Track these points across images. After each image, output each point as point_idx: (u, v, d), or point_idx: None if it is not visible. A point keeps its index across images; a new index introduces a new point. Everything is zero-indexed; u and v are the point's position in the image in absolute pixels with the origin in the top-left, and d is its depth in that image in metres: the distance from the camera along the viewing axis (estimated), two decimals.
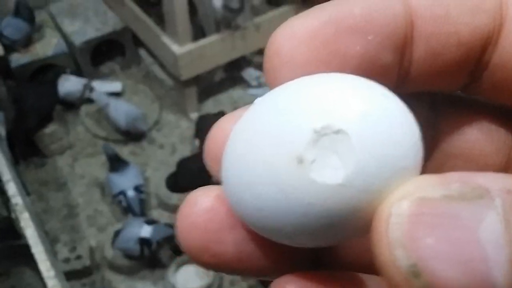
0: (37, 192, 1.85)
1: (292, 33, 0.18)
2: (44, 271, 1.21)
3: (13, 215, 1.36)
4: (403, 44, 0.18)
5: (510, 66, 0.19)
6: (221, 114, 1.95)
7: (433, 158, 0.20)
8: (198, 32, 2.00)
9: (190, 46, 1.87)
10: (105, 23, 2.13)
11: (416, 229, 0.14)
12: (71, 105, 2.05)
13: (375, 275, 0.18)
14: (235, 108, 2.01)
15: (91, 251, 1.68)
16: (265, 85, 2.09)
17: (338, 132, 0.16)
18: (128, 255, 1.63)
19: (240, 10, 1.85)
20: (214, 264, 0.19)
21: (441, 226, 0.14)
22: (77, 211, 1.81)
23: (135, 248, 1.59)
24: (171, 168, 1.83)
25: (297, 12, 2.04)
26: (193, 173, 1.78)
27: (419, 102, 0.19)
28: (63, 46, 2.10)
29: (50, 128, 1.91)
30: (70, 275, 1.57)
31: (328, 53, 0.18)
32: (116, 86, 2.12)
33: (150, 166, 1.92)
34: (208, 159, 0.20)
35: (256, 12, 2.07)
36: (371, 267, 0.17)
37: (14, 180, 1.40)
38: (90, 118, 2.04)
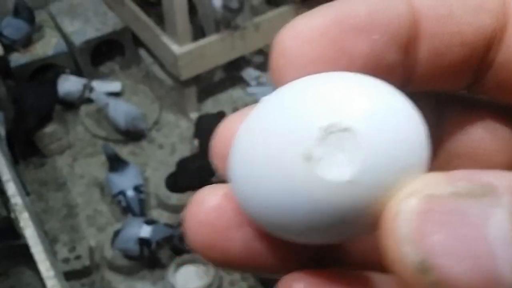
0: (36, 192, 1.85)
1: (297, 32, 0.18)
2: (43, 271, 1.21)
3: (12, 215, 1.36)
4: (407, 43, 0.19)
5: None
6: (220, 114, 1.95)
7: (437, 158, 0.20)
8: (198, 32, 2.00)
9: (190, 46, 1.87)
10: (105, 23, 2.13)
11: (424, 226, 0.14)
12: (71, 105, 2.05)
13: (382, 273, 0.18)
14: (234, 108, 2.02)
15: (91, 251, 1.68)
16: (264, 85, 2.09)
17: (345, 130, 0.16)
18: (128, 255, 1.63)
19: (239, 10, 1.85)
20: (222, 261, 0.19)
21: (449, 223, 0.14)
22: (77, 211, 1.81)
23: (135, 248, 1.59)
24: (171, 168, 1.83)
25: (296, 12, 2.05)
26: (192, 173, 1.78)
27: (424, 101, 0.19)
28: (63, 46, 2.10)
29: (50, 128, 1.92)
30: (69, 275, 1.57)
31: (333, 53, 0.18)
32: (115, 86, 2.12)
33: (150, 166, 1.92)
34: (215, 158, 0.20)
35: (255, 12, 2.07)
36: (378, 265, 0.17)
37: (13, 180, 1.40)
38: (90, 118, 2.04)
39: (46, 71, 2.04)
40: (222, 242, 0.19)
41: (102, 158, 1.87)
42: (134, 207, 1.72)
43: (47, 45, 2.09)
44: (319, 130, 0.16)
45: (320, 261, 0.19)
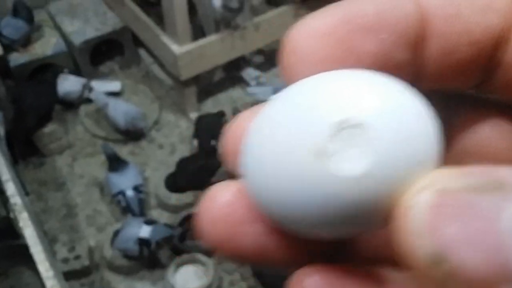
0: (36, 192, 1.85)
1: (308, 31, 0.19)
2: (43, 271, 1.21)
3: (12, 215, 1.35)
4: (416, 43, 0.19)
5: None
6: (220, 114, 1.95)
7: (446, 156, 0.21)
8: (198, 32, 2.00)
9: (190, 46, 1.87)
10: (105, 23, 2.13)
11: (438, 219, 0.15)
12: (70, 104, 2.05)
13: (394, 268, 0.19)
14: (234, 108, 2.02)
15: (90, 251, 1.68)
16: (264, 85, 2.09)
17: (356, 125, 0.16)
18: (127, 255, 1.63)
19: (239, 10, 1.85)
20: (235, 255, 0.19)
21: (462, 216, 0.14)
22: (76, 211, 1.81)
23: (134, 248, 1.59)
24: (171, 168, 1.82)
25: (296, 12, 2.05)
26: (192, 173, 1.78)
27: (433, 100, 0.19)
28: (62, 46, 2.09)
29: (49, 128, 1.91)
30: (69, 275, 1.57)
31: (343, 51, 0.18)
32: (115, 85, 2.11)
33: (150, 166, 1.92)
34: (226, 155, 0.20)
35: (255, 12, 2.07)
36: (390, 260, 0.18)
37: (13, 180, 1.40)
38: (89, 118, 2.04)
39: (46, 71, 2.04)
40: (236, 237, 0.19)
41: (102, 158, 1.86)
42: (133, 207, 1.72)
43: (47, 45, 2.09)
44: (331, 125, 0.16)
45: (331, 256, 0.20)
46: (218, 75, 2.18)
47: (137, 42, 2.15)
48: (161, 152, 1.97)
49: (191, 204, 1.78)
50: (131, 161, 1.84)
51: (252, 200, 0.18)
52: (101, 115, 2.00)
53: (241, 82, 2.13)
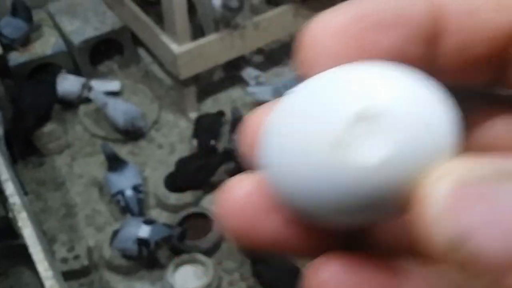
0: (35, 192, 1.85)
1: (324, 27, 0.19)
2: (42, 271, 1.21)
3: (10, 215, 1.35)
4: (429, 39, 0.19)
5: None
6: (219, 114, 1.94)
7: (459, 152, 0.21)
8: (197, 32, 2.00)
9: (189, 45, 1.87)
10: (104, 22, 2.12)
11: (457, 205, 0.15)
12: (70, 104, 2.05)
13: (410, 259, 0.19)
14: (234, 107, 2.01)
15: (89, 251, 1.68)
16: (264, 84, 2.08)
17: (375, 115, 0.17)
18: (126, 255, 1.63)
19: (239, 9, 1.85)
20: (254, 245, 0.20)
21: (482, 202, 0.15)
22: (75, 211, 1.80)
23: (133, 248, 1.59)
24: (170, 167, 1.82)
25: (296, 11, 2.05)
26: (191, 173, 1.77)
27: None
28: (61, 45, 2.09)
29: (48, 127, 1.91)
30: (68, 275, 1.56)
31: (358, 47, 0.19)
32: (114, 85, 2.11)
33: (149, 166, 1.92)
34: (243, 148, 0.21)
35: (255, 11, 2.07)
36: (406, 250, 0.19)
37: (12, 180, 1.39)
38: (89, 118, 2.03)
39: (45, 70, 2.04)
40: (254, 227, 0.19)
41: (101, 157, 1.86)
42: (132, 207, 1.71)
43: (46, 44, 2.09)
44: (349, 115, 0.17)
45: (349, 246, 0.20)
46: (218, 75, 2.18)
47: (137, 41, 2.15)
48: (160, 152, 1.97)
49: (190, 204, 1.77)
50: (131, 160, 1.84)
51: (272, 190, 0.19)
52: (100, 114, 2.00)
53: (240, 81, 2.13)
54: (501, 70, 0.20)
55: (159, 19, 1.93)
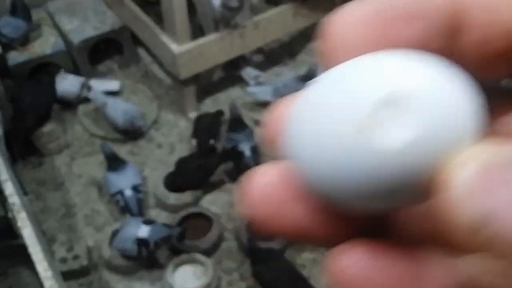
0: (34, 192, 1.84)
1: (347, 19, 0.20)
2: (41, 272, 1.20)
3: (10, 215, 1.35)
4: (450, 32, 0.19)
5: None
6: (218, 113, 1.94)
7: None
8: (197, 31, 1.99)
9: (189, 45, 1.86)
10: (104, 22, 2.12)
11: (482, 187, 0.15)
12: (69, 104, 2.05)
13: (433, 247, 0.19)
14: (231, 104, 2.00)
15: (89, 251, 1.67)
16: (263, 84, 2.08)
17: (399, 100, 0.17)
18: (126, 255, 1.63)
19: (239, 8, 1.84)
20: (279, 234, 0.20)
21: (505, 186, 0.15)
22: (75, 211, 1.80)
23: (133, 248, 1.59)
24: (170, 167, 1.82)
25: (296, 11, 2.05)
26: (191, 173, 1.77)
27: None
28: (61, 45, 2.09)
29: (48, 127, 1.91)
30: (67, 275, 1.56)
31: (381, 37, 0.19)
32: (114, 85, 2.11)
33: (148, 166, 1.91)
34: (267, 138, 0.21)
35: (255, 11, 2.07)
36: (429, 240, 0.19)
37: (11, 180, 1.39)
38: (88, 117, 2.03)
39: (44, 70, 2.04)
40: (279, 215, 0.20)
41: (100, 157, 1.86)
42: (132, 207, 1.71)
43: (45, 44, 2.08)
44: (374, 100, 0.17)
45: (372, 234, 0.20)
46: (218, 75, 2.18)
47: (136, 41, 2.15)
48: (160, 151, 1.97)
49: (189, 204, 1.77)
50: (130, 160, 1.84)
51: (299, 178, 0.19)
52: (99, 114, 2.00)
53: (240, 81, 2.13)
54: None
55: (159, 19, 1.93)
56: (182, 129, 2.03)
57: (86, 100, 2.03)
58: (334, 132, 0.17)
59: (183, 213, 1.73)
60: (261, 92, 2.02)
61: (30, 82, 1.98)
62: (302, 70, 2.06)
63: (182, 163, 1.80)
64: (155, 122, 2.04)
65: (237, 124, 1.88)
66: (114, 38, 2.12)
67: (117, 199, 1.73)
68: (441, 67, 0.18)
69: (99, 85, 2.06)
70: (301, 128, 0.19)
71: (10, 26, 2.00)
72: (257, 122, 1.93)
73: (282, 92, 1.98)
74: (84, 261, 1.63)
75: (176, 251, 1.65)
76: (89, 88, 2.02)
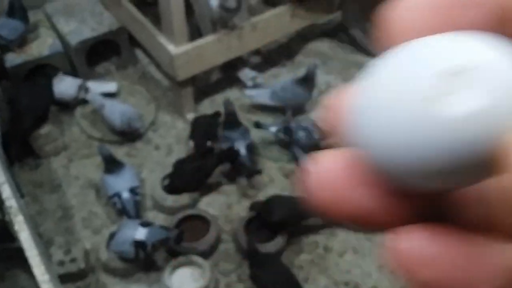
0: (31, 194, 1.84)
1: (409, 4, 0.20)
2: (38, 275, 1.20)
3: (7, 218, 1.34)
4: (505, 21, 0.20)
5: None
6: (216, 115, 1.94)
7: None
8: (195, 32, 1.99)
9: (187, 46, 1.86)
10: (101, 23, 2.12)
11: None
12: (66, 105, 2.04)
13: (490, 234, 0.19)
14: (226, 100, 1.99)
15: (86, 253, 1.67)
16: (261, 86, 2.08)
17: (463, 71, 0.18)
18: (123, 258, 1.62)
19: (236, 10, 1.84)
20: (341, 218, 0.21)
21: None
22: (72, 213, 1.80)
23: (130, 251, 1.58)
24: (167, 169, 1.82)
25: (293, 12, 2.04)
26: (188, 174, 1.77)
27: None
28: (58, 46, 2.08)
29: (45, 129, 1.90)
30: (64, 278, 1.56)
31: (442, 22, 0.20)
32: (111, 86, 2.10)
33: (146, 167, 1.91)
34: (328, 127, 0.22)
35: (252, 12, 2.06)
36: (488, 226, 0.19)
37: (8, 182, 1.39)
38: (86, 119, 2.03)
39: (42, 72, 2.03)
40: (343, 200, 0.21)
41: (98, 159, 1.85)
42: (129, 209, 1.71)
43: (43, 45, 2.08)
44: (438, 71, 0.18)
45: (433, 217, 0.20)
46: (215, 76, 2.17)
47: (134, 42, 2.14)
48: (157, 153, 1.96)
49: (187, 206, 1.77)
50: (127, 162, 1.83)
51: (364, 161, 0.20)
52: (97, 116, 1.99)
53: (238, 82, 2.12)
54: None
55: (157, 20, 1.93)
56: (179, 130, 2.02)
57: (84, 101, 2.03)
58: (401, 105, 0.18)
59: (181, 215, 1.73)
60: (259, 95, 2.02)
61: (28, 84, 1.97)
62: (300, 71, 2.06)
63: (179, 165, 1.79)
64: (153, 123, 2.04)
65: (232, 121, 1.88)
66: (111, 39, 2.11)
67: (114, 201, 1.73)
68: (504, 44, 0.18)
69: (97, 87, 2.06)
70: (367, 109, 0.19)
71: (8, 27, 1.99)
72: (256, 123, 1.92)
73: (279, 95, 1.98)
74: (81, 264, 1.62)
75: (173, 253, 1.64)
76: (86, 90, 2.01)
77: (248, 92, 2.04)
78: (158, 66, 2.15)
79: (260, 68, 2.17)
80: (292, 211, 1.67)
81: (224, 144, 1.85)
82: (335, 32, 2.33)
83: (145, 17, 1.98)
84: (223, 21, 1.90)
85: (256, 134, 1.91)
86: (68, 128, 2.02)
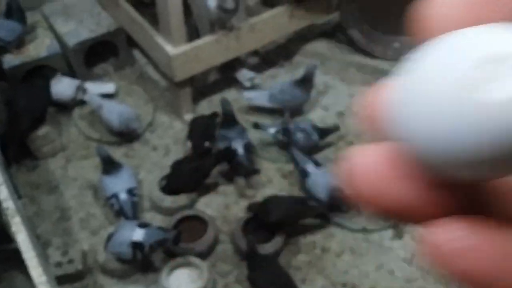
0: (29, 195, 1.84)
1: (444, 0, 0.21)
2: (35, 277, 1.20)
3: (4, 219, 1.34)
4: None
5: None
6: (213, 115, 1.94)
7: None
8: (193, 33, 1.99)
9: (184, 47, 1.86)
10: (99, 24, 2.12)
11: None
12: (64, 106, 2.04)
13: None
14: (223, 98, 1.98)
15: (84, 254, 1.67)
16: (259, 87, 2.08)
17: (501, 59, 0.18)
18: (121, 259, 1.62)
19: (234, 10, 1.84)
20: (383, 211, 0.21)
21: None
22: (70, 214, 1.80)
23: (128, 252, 1.58)
24: (165, 170, 1.81)
25: (291, 13, 2.04)
26: (186, 175, 1.77)
27: None
28: (56, 47, 2.08)
29: (43, 130, 1.90)
30: (62, 279, 1.56)
31: (476, 18, 0.20)
32: (109, 87, 2.10)
33: (144, 168, 1.91)
34: (366, 122, 0.22)
35: (250, 13, 2.06)
36: None
37: (5, 184, 1.39)
38: (83, 120, 2.03)
39: (39, 73, 2.03)
40: (385, 193, 0.21)
41: (96, 160, 1.85)
42: (127, 211, 1.71)
43: (40, 46, 2.08)
44: (479, 61, 0.18)
45: (469, 211, 0.21)
46: (213, 77, 2.17)
47: (131, 43, 2.14)
48: (155, 154, 1.96)
49: (185, 207, 1.77)
50: (125, 163, 1.83)
51: (405, 153, 0.20)
52: (95, 117, 1.99)
53: (236, 83, 2.12)
54: None
55: (154, 20, 1.93)
56: (177, 131, 2.02)
57: (82, 102, 2.03)
58: (443, 95, 0.18)
59: (178, 216, 1.73)
60: (257, 98, 2.02)
61: (25, 85, 1.97)
62: (298, 72, 2.06)
63: (177, 166, 1.79)
64: (150, 124, 2.04)
65: (229, 120, 1.88)
66: (109, 40, 2.11)
67: (112, 202, 1.73)
68: None
69: (95, 88, 2.06)
70: (408, 102, 0.19)
71: (5, 29, 1.99)
72: (254, 125, 1.92)
73: (278, 97, 1.98)
74: (79, 265, 1.62)
75: (171, 254, 1.64)
76: (84, 91, 2.01)
77: (246, 94, 2.04)
78: (156, 66, 2.15)
79: (258, 68, 2.17)
80: (290, 211, 1.67)
81: (222, 144, 1.85)
82: (333, 33, 2.33)
83: (143, 17, 1.98)
84: (221, 22, 1.90)
85: (254, 135, 1.91)
86: (66, 129, 2.02)
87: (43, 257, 1.44)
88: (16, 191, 1.65)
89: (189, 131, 1.92)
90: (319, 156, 1.88)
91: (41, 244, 1.64)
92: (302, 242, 1.72)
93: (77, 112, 2.04)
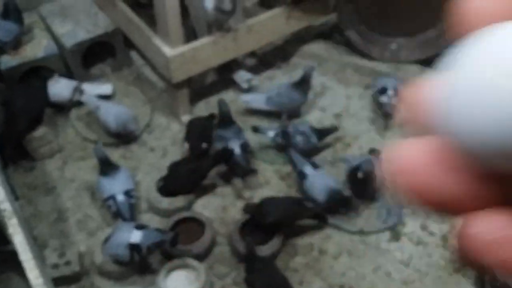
0: (26, 196, 1.83)
1: None
2: (32, 279, 1.20)
3: (1, 221, 1.34)
4: None
5: None
6: (211, 117, 1.94)
7: None
8: (190, 34, 1.99)
9: (182, 48, 1.86)
10: (96, 25, 2.11)
11: None
12: (61, 107, 2.04)
13: None
14: (220, 100, 1.98)
15: (81, 256, 1.66)
16: (256, 89, 2.08)
17: None
18: (118, 261, 1.62)
19: (232, 12, 1.84)
20: (427, 203, 0.22)
21: None
22: (67, 216, 1.79)
23: (125, 254, 1.58)
24: (162, 171, 1.81)
25: (289, 14, 2.04)
26: (183, 177, 1.76)
27: None
28: (53, 48, 2.08)
29: (40, 131, 1.90)
30: (59, 281, 1.56)
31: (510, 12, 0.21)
32: (106, 88, 2.10)
33: (141, 170, 1.91)
34: (409, 118, 0.23)
35: (248, 14, 2.06)
36: None
37: (2, 185, 1.38)
38: (81, 121, 2.02)
39: (36, 74, 2.02)
40: (431, 185, 0.22)
41: (93, 161, 1.85)
42: (124, 212, 1.70)
43: (37, 47, 2.07)
44: None
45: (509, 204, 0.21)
46: (210, 78, 2.17)
47: (129, 44, 2.14)
48: (152, 155, 1.96)
49: (182, 208, 1.77)
50: (123, 165, 1.83)
51: (451, 147, 0.21)
52: (92, 118, 1.99)
53: (233, 85, 2.12)
54: None
55: (152, 21, 1.93)
56: (174, 132, 2.02)
57: (79, 103, 2.02)
58: (490, 88, 0.19)
59: (176, 217, 1.73)
60: (255, 100, 2.01)
61: (22, 86, 1.97)
62: (296, 73, 2.06)
63: (174, 167, 1.79)
64: (148, 125, 2.03)
65: (226, 120, 1.88)
66: (106, 41, 2.11)
67: (109, 204, 1.72)
68: None
69: (92, 89, 2.05)
70: (455, 96, 0.20)
71: (2, 29, 1.99)
72: (253, 128, 1.92)
73: (275, 100, 1.97)
74: (76, 267, 1.62)
75: (168, 256, 1.64)
76: (81, 92, 2.01)
77: (244, 97, 2.04)
78: (153, 68, 2.15)
79: (256, 70, 2.17)
80: (286, 212, 1.67)
81: (218, 144, 1.85)
82: (330, 34, 2.33)
83: (140, 18, 1.97)
84: (219, 23, 1.89)
85: (252, 137, 1.91)
86: (63, 130, 2.02)
87: (40, 259, 1.43)
88: (13, 192, 1.64)
89: (186, 133, 1.91)
90: (316, 158, 1.88)
91: (38, 246, 1.63)
92: (299, 244, 1.72)
93: (74, 113, 2.04)
